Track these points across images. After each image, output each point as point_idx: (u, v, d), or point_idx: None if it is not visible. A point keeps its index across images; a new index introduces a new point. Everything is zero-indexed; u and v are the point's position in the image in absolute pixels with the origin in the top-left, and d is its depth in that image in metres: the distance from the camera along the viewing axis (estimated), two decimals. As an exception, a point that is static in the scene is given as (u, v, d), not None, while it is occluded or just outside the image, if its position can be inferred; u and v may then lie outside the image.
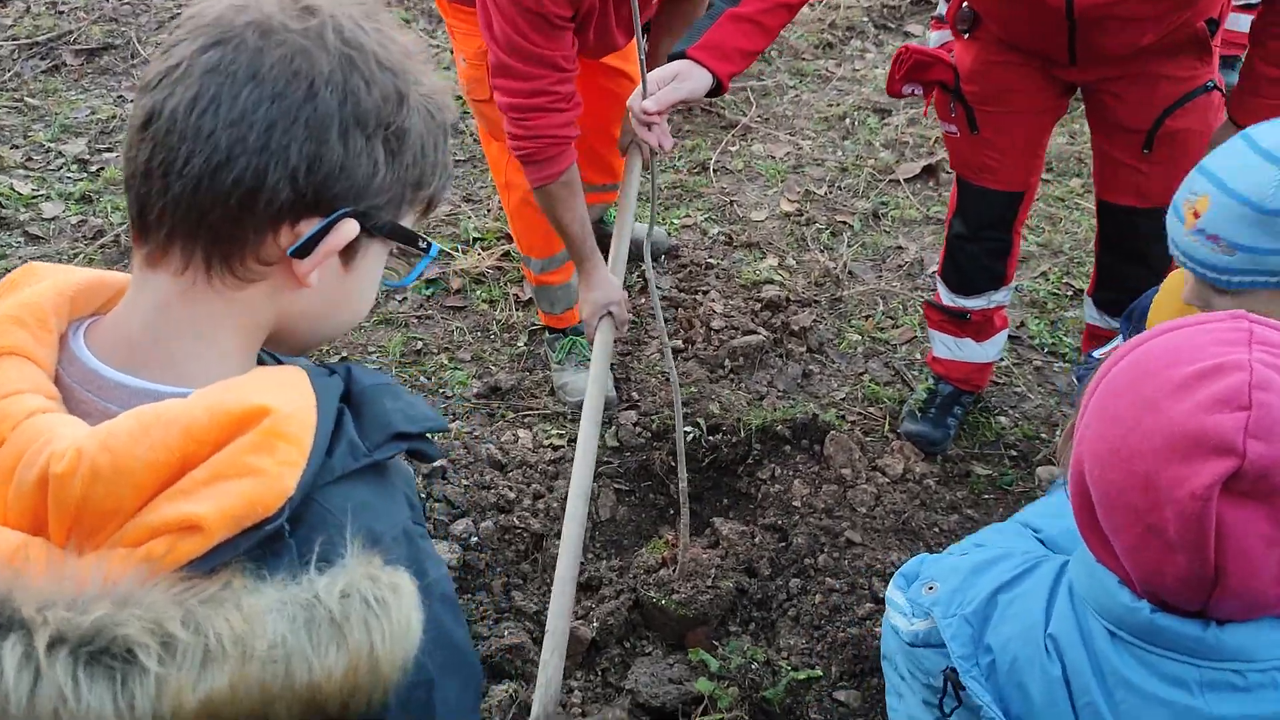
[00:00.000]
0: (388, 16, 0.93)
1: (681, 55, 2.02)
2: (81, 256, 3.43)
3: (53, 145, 4.04)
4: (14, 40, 4.70)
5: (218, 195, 0.85)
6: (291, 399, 0.81)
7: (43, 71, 4.53)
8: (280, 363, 0.99)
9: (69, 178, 3.87)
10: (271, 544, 0.79)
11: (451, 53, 4.56)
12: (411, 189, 0.94)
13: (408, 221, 0.96)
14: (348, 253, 0.92)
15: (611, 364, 3.06)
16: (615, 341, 2.59)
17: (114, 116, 4.23)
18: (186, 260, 0.87)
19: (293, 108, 0.85)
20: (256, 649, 0.71)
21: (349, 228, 0.89)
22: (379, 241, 0.94)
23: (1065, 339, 3.25)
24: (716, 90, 2.03)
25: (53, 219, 3.63)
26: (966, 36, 2.43)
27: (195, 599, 0.72)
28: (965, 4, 2.39)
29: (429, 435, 0.94)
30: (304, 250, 0.88)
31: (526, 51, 2.16)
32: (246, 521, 0.77)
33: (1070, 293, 3.46)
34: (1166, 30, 2.14)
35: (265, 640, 0.72)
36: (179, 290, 0.88)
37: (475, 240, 3.62)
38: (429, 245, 0.98)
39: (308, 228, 0.87)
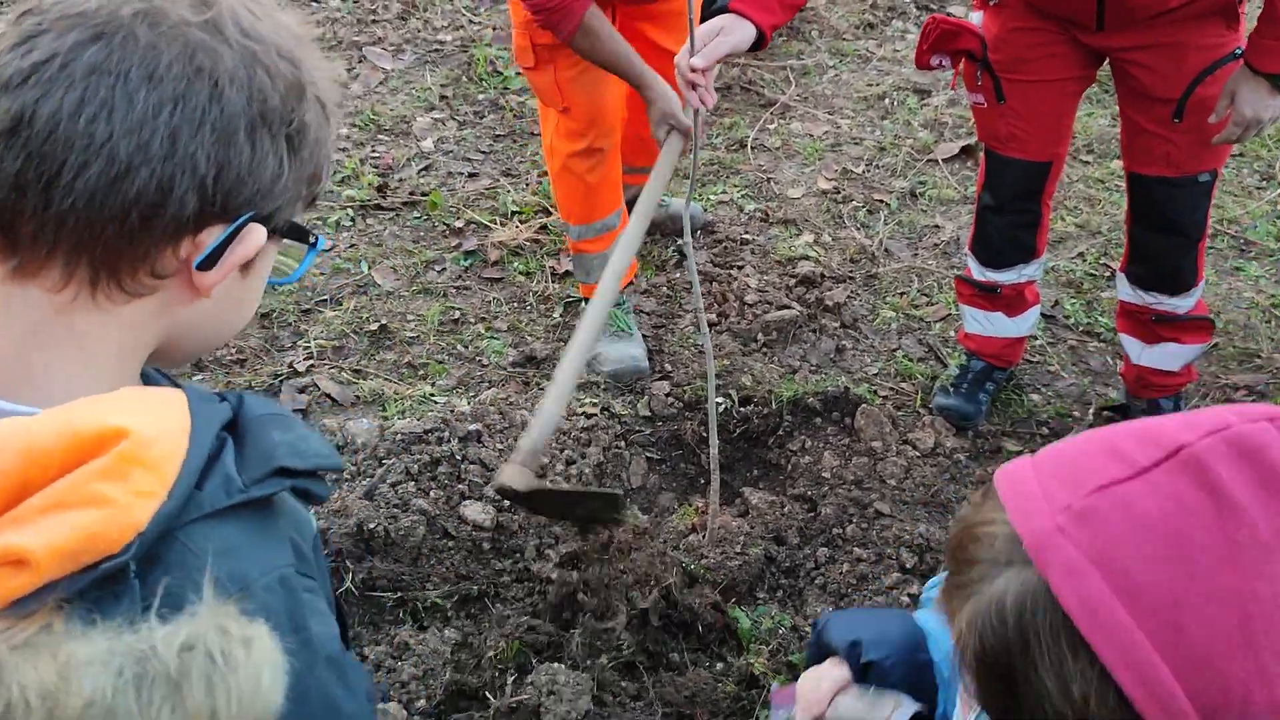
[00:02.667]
0: (271, 1, 0.86)
1: (724, 10, 2.04)
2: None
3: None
4: (67, 14, 4.80)
5: (115, 210, 0.76)
6: (158, 422, 0.72)
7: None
8: (170, 382, 0.92)
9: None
10: (112, 584, 0.68)
11: (495, 29, 4.59)
12: (308, 184, 0.88)
13: (298, 215, 0.90)
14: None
15: (645, 334, 3.10)
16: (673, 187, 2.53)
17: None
18: (68, 277, 0.78)
19: (198, 110, 0.77)
20: (69, 706, 0.61)
21: (257, 235, 0.82)
22: (273, 242, 0.87)
23: (1101, 319, 3.24)
24: (759, 43, 2.05)
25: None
26: (993, 5, 2.44)
27: (5, 644, 0.62)
28: None
29: (321, 475, 0.84)
30: (208, 262, 0.81)
31: None
32: (84, 558, 0.66)
33: (1107, 274, 3.44)
34: None
35: (81, 697, 0.61)
36: (55, 307, 0.79)
37: (514, 213, 3.66)
38: (317, 239, 0.92)
39: (210, 237, 0.80)
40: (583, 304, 3.15)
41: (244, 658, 0.66)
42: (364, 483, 2.48)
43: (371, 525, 2.34)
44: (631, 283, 3.20)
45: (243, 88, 0.79)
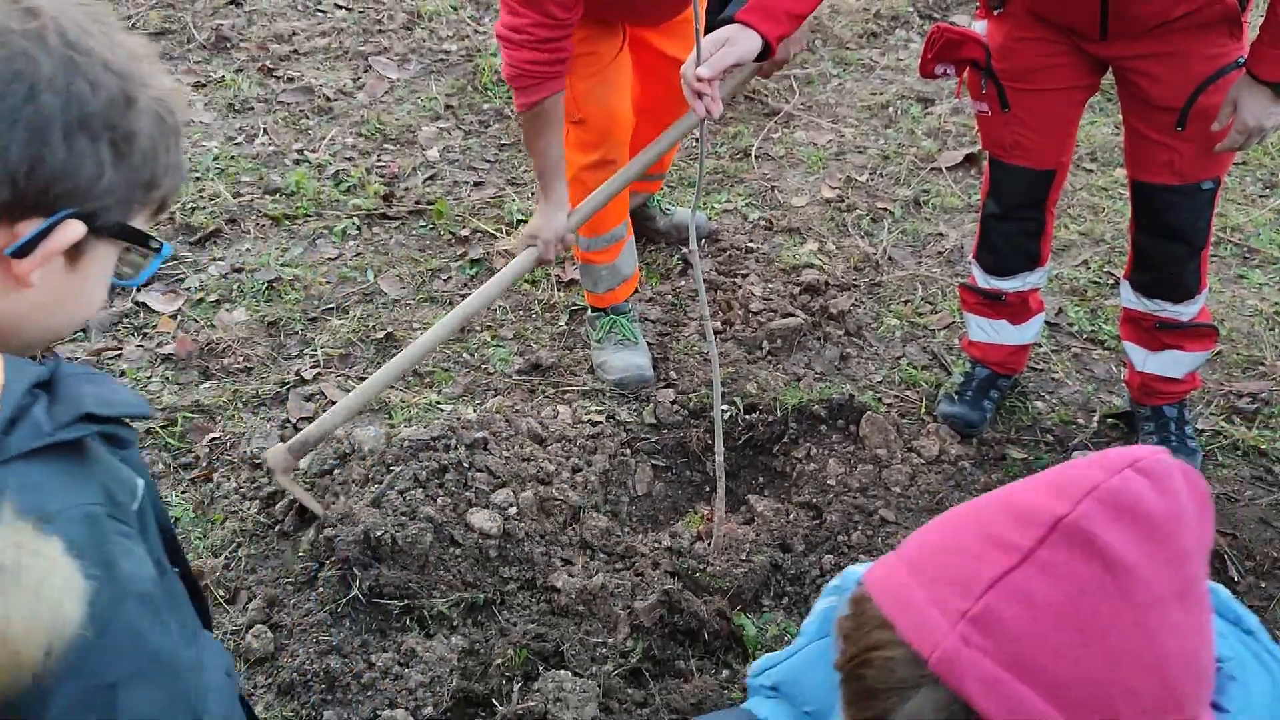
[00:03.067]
0: (114, 19, 0.93)
1: (729, 20, 2.06)
2: (138, 233, 3.53)
3: (111, 126, 4.14)
4: (75, 25, 4.83)
5: None
6: None
7: (102, 55, 4.65)
8: None
9: (127, 157, 3.97)
10: None
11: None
12: (142, 190, 0.94)
13: (139, 222, 0.96)
14: (73, 252, 0.92)
15: (650, 343, 3.11)
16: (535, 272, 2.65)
17: (170, 99, 4.33)
18: None
19: (13, 110, 0.84)
20: None
21: (72, 229, 0.89)
22: (107, 242, 0.95)
23: (1105, 326, 3.25)
24: (765, 53, 2.06)
25: (111, 197, 3.74)
26: (997, 13, 2.45)
27: None
28: None
29: (128, 422, 0.92)
30: (23, 251, 0.87)
31: None
32: None
33: (1111, 281, 3.45)
34: (1198, 2, 2.15)
35: None
36: None
37: (519, 222, 3.68)
38: (160, 246, 0.99)
39: (28, 229, 0.87)
40: (588, 312, 3.16)
41: (35, 567, 0.72)
42: (371, 490, 2.49)
43: (379, 533, 2.35)
44: (636, 290, 3.21)
45: (59, 93, 0.86)
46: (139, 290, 3.30)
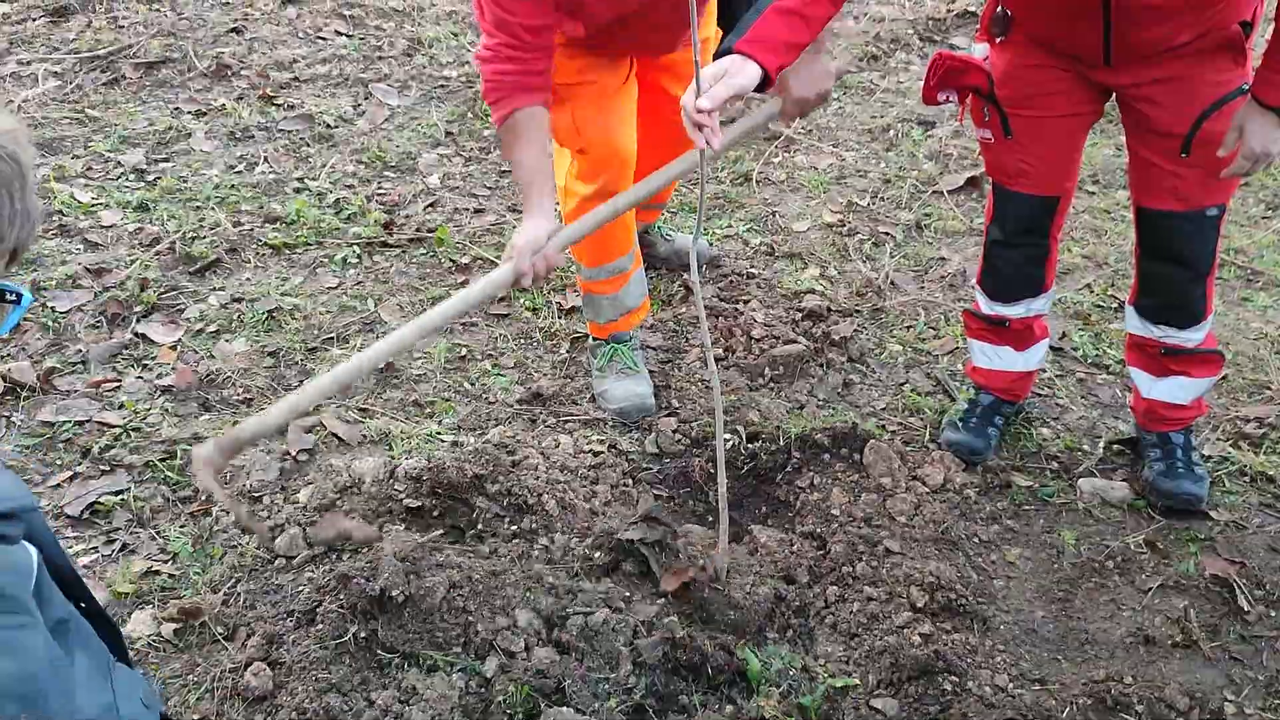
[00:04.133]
0: None
1: (728, 51, 2.05)
2: (138, 263, 3.52)
3: (112, 155, 4.15)
4: (75, 54, 4.84)
5: None
6: None
7: (103, 84, 4.66)
8: None
9: (127, 186, 3.97)
10: None
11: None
12: None
13: None
14: None
15: (651, 370, 3.09)
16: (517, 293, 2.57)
17: (171, 128, 4.34)
18: None
19: None
20: None
21: None
22: None
23: (1109, 351, 3.23)
24: (765, 84, 2.05)
25: (111, 226, 3.74)
26: (1000, 41, 2.45)
27: None
28: (1000, 7, 2.41)
29: (14, 515, 0.93)
30: None
31: (492, 12, 2.42)
32: None
33: (1115, 305, 3.44)
34: (1201, 29, 2.14)
35: None
36: None
37: (519, 249, 3.66)
38: (19, 296, 0.97)
39: None
40: (589, 340, 3.14)
41: None
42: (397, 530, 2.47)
43: (395, 592, 2.31)
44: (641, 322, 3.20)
45: None
46: (137, 322, 3.29)
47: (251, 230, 3.74)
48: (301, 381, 3.09)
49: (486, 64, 2.48)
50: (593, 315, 3.07)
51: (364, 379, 2.55)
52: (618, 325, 3.06)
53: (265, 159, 4.18)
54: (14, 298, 0.96)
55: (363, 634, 2.25)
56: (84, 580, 1.17)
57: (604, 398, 3.00)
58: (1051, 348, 3.13)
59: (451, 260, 3.64)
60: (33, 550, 0.98)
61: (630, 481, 2.78)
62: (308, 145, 4.31)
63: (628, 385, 2.98)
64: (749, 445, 2.85)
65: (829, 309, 3.38)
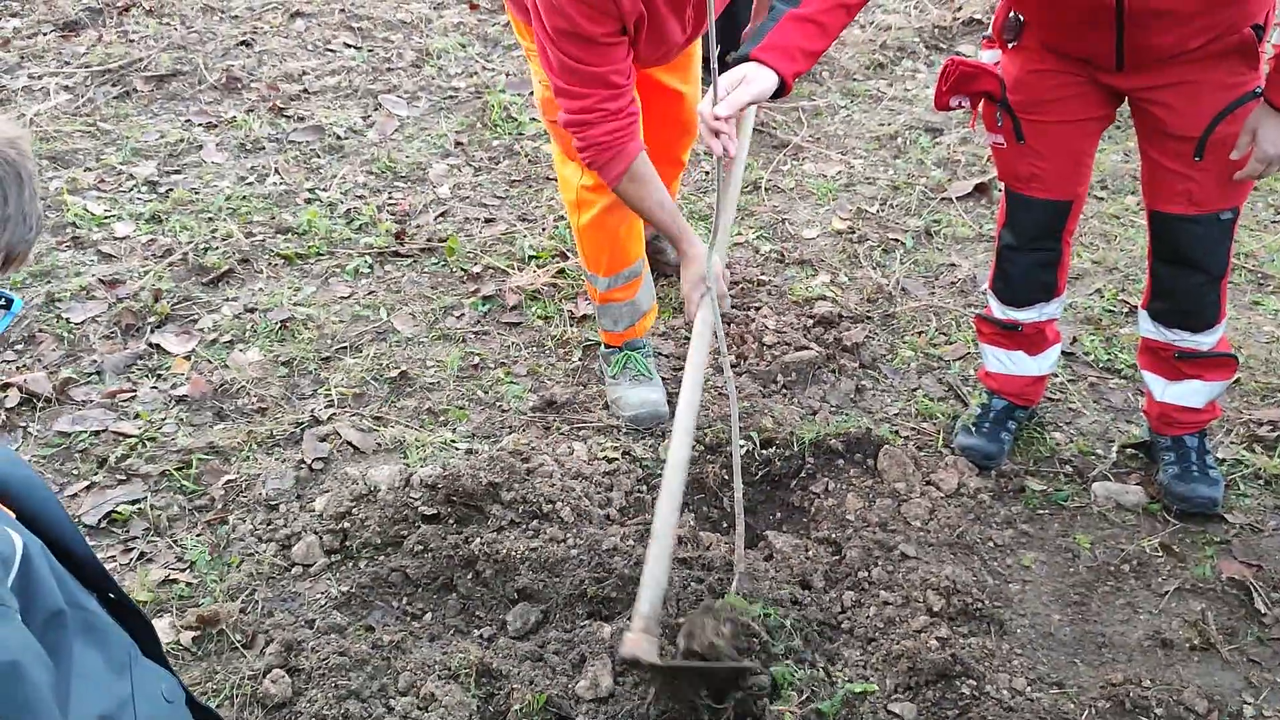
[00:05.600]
0: None
1: (745, 58, 2.06)
2: (151, 274, 3.54)
3: (124, 168, 4.17)
4: (87, 67, 4.87)
5: None
6: None
7: (114, 97, 4.69)
8: None
9: (139, 199, 3.99)
10: None
11: (508, 75, 4.64)
12: None
13: None
14: None
15: (664, 378, 3.10)
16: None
17: (182, 140, 4.37)
18: None
19: None
20: None
21: None
22: None
23: (1121, 355, 3.24)
24: (781, 91, 2.06)
25: (124, 238, 3.76)
26: (1012, 46, 2.46)
27: None
28: (1011, 12, 2.42)
29: None
30: None
31: (577, 71, 2.32)
32: None
33: (1126, 309, 3.44)
34: (1214, 33, 2.15)
35: None
36: None
37: (531, 258, 3.68)
38: (9, 302, 0.98)
39: None
40: (602, 348, 3.15)
41: None
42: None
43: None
44: (649, 326, 3.20)
45: None
46: (151, 333, 3.30)
47: (263, 241, 3.75)
48: (315, 391, 3.10)
49: (588, 129, 2.38)
50: (610, 325, 3.07)
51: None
52: (634, 331, 3.06)
53: (276, 170, 4.20)
54: (4, 303, 0.97)
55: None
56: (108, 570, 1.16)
57: (618, 405, 3.00)
58: (1063, 352, 3.13)
59: (463, 269, 3.65)
60: (18, 539, 0.96)
61: (644, 488, 2.79)
62: (318, 156, 4.33)
63: (642, 392, 2.99)
64: (763, 451, 2.85)
65: (840, 315, 3.39)
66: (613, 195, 2.78)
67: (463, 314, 3.45)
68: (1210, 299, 2.52)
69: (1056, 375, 3.13)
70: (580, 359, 3.27)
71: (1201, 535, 2.63)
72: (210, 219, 3.86)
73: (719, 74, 2.05)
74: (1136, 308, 3.01)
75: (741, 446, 2.79)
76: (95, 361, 3.18)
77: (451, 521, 2.58)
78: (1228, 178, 2.29)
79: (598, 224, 2.85)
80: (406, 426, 2.97)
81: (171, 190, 4.03)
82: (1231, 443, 2.90)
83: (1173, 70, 2.26)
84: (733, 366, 3.19)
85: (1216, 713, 2.19)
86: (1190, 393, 2.67)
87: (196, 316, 3.39)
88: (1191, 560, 2.57)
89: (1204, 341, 2.59)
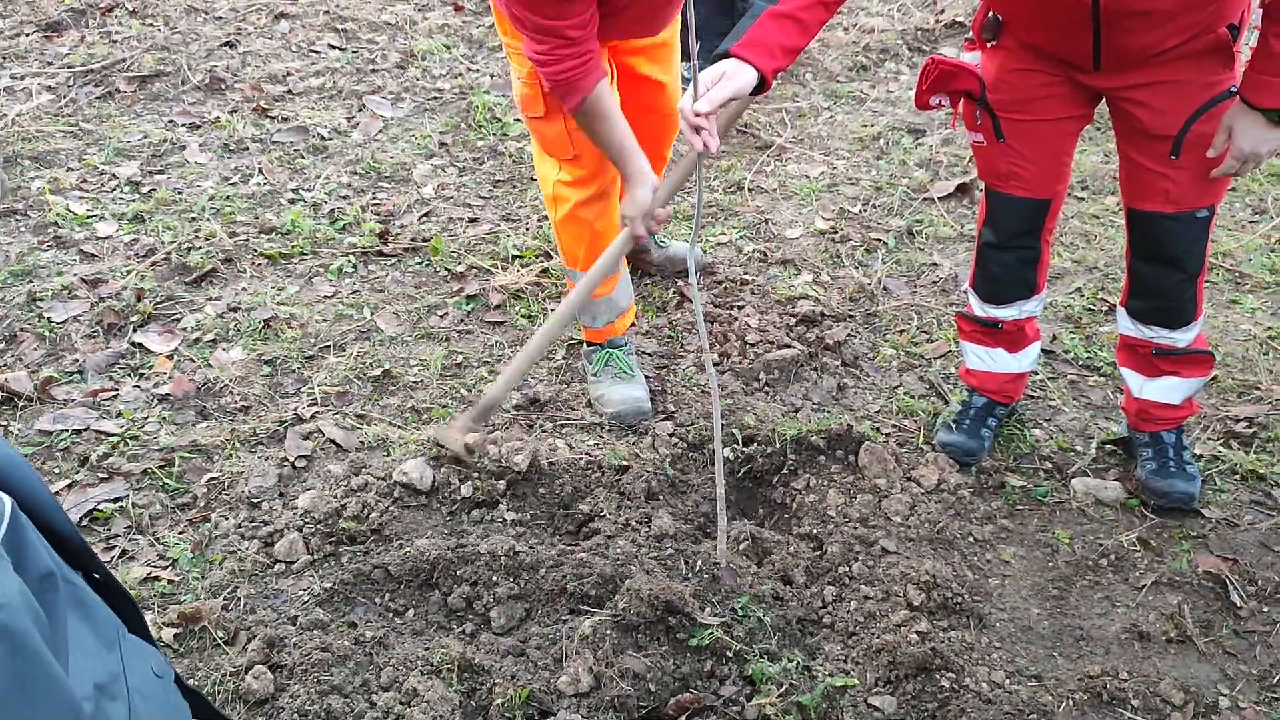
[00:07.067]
0: None
1: (725, 55, 2.07)
2: (134, 273, 3.54)
3: (106, 168, 4.16)
4: (70, 68, 4.86)
5: None
6: None
7: (97, 98, 4.68)
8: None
9: (122, 199, 3.99)
10: None
11: (492, 76, 4.65)
12: None
13: None
14: None
15: (647, 375, 3.11)
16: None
17: (165, 140, 4.36)
18: None
19: None
20: None
21: None
22: None
23: (1100, 353, 3.26)
24: (761, 87, 2.08)
25: (107, 238, 3.75)
26: (991, 46, 2.48)
27: None
28: (990, 12, 2.44)
29: None
30: None
31: (534, 23, 2.42)
32: None
33: (1105, 308, 3.47)
34: (1190, 33, 2.17)
35: None
36: None
37: (514, 258, 3.69)
38: None
39: None
40: (584, 346, 3.16)
41: None
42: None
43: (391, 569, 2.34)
44: (633, 324, 3.22)
45: None
46: (134, 332, 3.30)
47: (247, 241, 3.75)
48: (298, 390, 3.10)
49: (545, 67, 2.51)
50: (589, 321, 3.09)
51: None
52: (614, 328, 3.08)
53: (260, 170, 4.20)
54: None
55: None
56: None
57: (600, 402, 3.01)
58: (1043, 350, 3.16)
59: (446, 269, 3.65)
60: (6, 499, 0.96)
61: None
62: (302, 157, 4.33)
63: (623, 390, 3.00)
64: (745, 449, 2.86)
65: (822, 314, 3.41)
66: (588, 191, 2.81)
67: (446, 313, 3.45)
68: (1188, 296, 2.55)
69: (1036, 373, 3.15)
70: (563, 358, 3.28)
71: (1178, 530, 2.66)
72: (193, 219, 3.86)
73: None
74: (1115, 306, 3.04)
75: (723, 444, 2.80)
76: (77, 360, 3.18)
77: (434, 518, 2.58)
78: (1205, 176, 2.32)
79: (573, 218, 2.88)
80: (390, 425, 2.97)
81: (154, 190, 4.03)
82: (1208, 439, 2.93)
83: (1150, 70, 2.28)
84: (715, 365, 3.20)
85: (1192, 704, 2.21)
86: (1168, 389, 2.70)
87: (179, 316, 3.39)
88: (1168, 554, 2.59)
89: (1181, 338, 2.61)
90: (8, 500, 0.96)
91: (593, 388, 3.07)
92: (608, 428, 2.97)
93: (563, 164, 2.82)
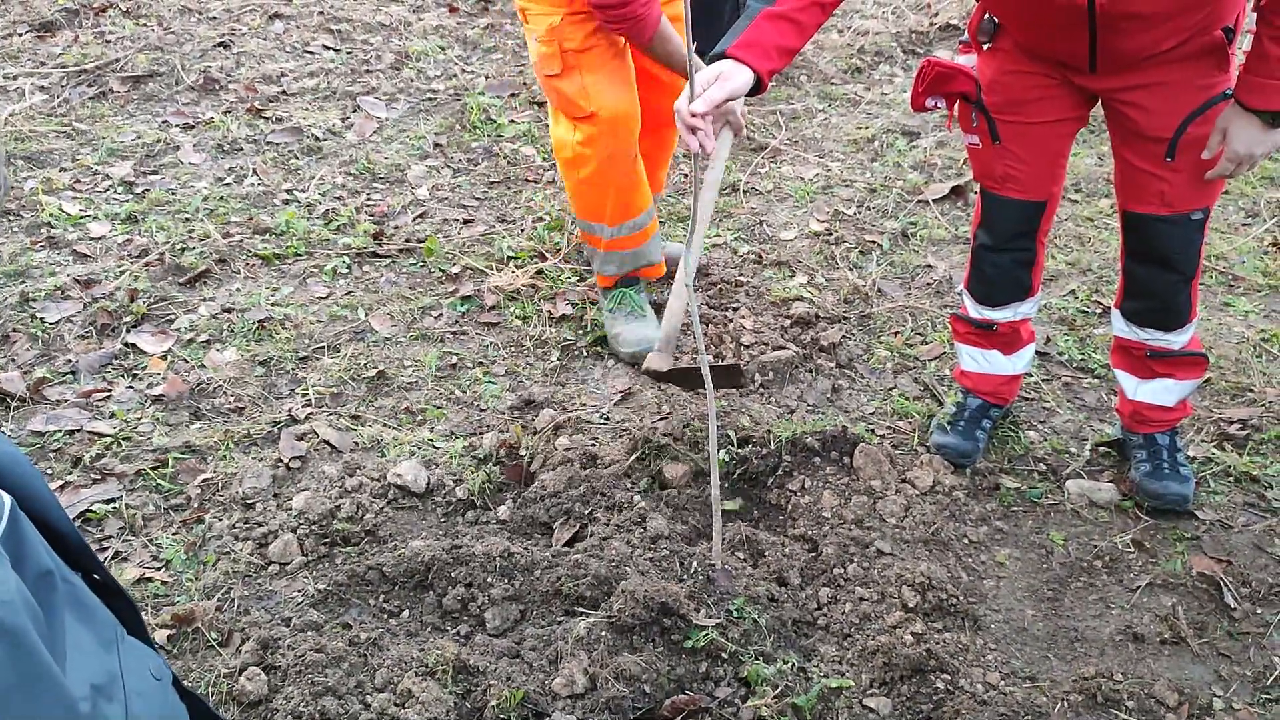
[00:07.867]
0: None
1: (721, 56, 2.08)
2: (127, 274, 3.53)
3: (100, 168, 4.15)
4: (63, 68, 4.85)
5: None
6: None
7: (90, 98, 4.67)
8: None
9: (115, 199, 3.98)
10: None
11: (487, 77, 4.65)
12: None
13: None
14: None
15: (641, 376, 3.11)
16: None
17: (159, 141, 4.35)
18: None
19: None
20: None
21: None
22: None
23: (1094, 355, 3.27)
24: (757, 88, 2.08)
25: (100, 238, 3.74)
26: (987, 48, 2.48)
27: None
28: (986, 14, 2.44)
29: None
30: None
31: None
32: None
33: (1099, 310, 3.48)
34: (1185, 36, 2.18)
35: None
36: None
37: (509, 259, 3.69)
38: None
39: None
40: (598, 290, 3.30)
41: None
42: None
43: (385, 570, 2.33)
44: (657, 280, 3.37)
45: None
46: (127, 332, 3.29)
47: (241, 241, 3.74)
48: (292, 390, 3.09)
49: (613, 10, 2.69)
50: (614, 269, 3.20)
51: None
52: (631, 275, 3.21)
53: (254, 171, 4.19)
54: None
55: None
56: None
57: (616, 341, 3.17)
58: (1037, 352, 3.17)
59: (441, 270, 3.65)
60: (6, 496, 0.95)
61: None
62: (296, 158, 4.32)
63: (638, 329, 3.15)
64: (740, 450, 2.86)
65: (817, 316, 3.41)
66: (608, 150, 2.93)
67: (441, 314, 3.45)
68: (1182, 298, 2.56)
69: (1031, 374, 3.16)
70: (559, 359, 3.27)
71: (1173, 531, 2.66)
72: (187, 219, 3.85)
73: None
74: (1110, 308, 3.05)
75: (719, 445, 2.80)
76: (70, 361, 3.16)
77: (429, 519, 2.58)
78: (1199, 178, 2.33)
79: (596, 179, 2.99)
80: (384, 426, 2.97)
81: (148, 191, 4.02)
82: (1202, 441, 2.93)
83: (1145, 72, 2.29)
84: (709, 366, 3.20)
85: (1186, 705, 2.21)
86: (1162, 391, 2.70)
87: (173, 316, 3.38)
88: (1163, 556, 2.60)
89: (1175, 340, 2.62)
90: (7, 498, 0.95)
91: (609, 325, 3.23)
92: (601, 427, 2.97)
93: (578, 124, 2.91)
